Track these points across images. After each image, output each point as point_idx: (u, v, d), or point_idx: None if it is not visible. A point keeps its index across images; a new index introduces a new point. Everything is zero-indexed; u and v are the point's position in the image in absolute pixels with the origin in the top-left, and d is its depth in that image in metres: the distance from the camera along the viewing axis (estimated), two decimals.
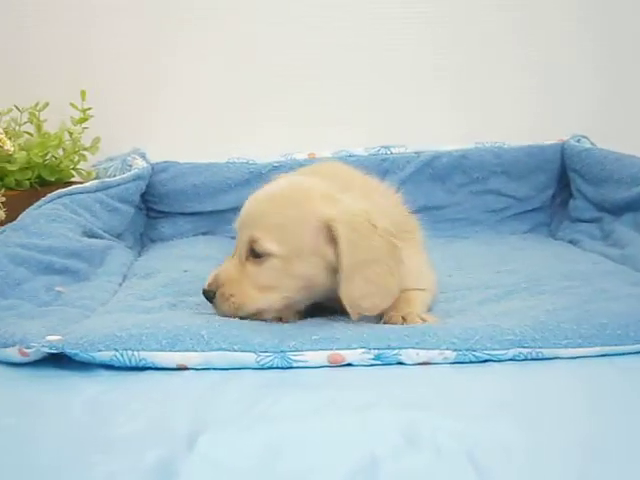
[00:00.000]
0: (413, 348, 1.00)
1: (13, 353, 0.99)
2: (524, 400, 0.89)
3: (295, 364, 0.99)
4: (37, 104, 1.64)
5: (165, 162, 1.75)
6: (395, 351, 1.00)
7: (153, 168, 1.73)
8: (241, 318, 1.09)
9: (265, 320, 1.10)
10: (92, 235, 1.46)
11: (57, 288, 1.24)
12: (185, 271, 1.37)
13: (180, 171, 1.72)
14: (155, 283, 1.31)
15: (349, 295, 1.07)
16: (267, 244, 1.08)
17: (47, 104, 1.63)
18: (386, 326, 1.05)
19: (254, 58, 1.85)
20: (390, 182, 1.74)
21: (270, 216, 1.11)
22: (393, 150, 1.83)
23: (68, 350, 0.97)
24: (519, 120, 1.92)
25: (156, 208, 1.77)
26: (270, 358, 0.99)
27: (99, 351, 0.97)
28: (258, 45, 1.85)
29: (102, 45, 1.80)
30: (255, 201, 1.14)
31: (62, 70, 1.78)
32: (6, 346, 1.00)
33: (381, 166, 1.81)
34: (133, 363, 0.98)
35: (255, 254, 1.10)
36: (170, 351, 0.98)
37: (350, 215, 1.08)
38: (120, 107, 1.79)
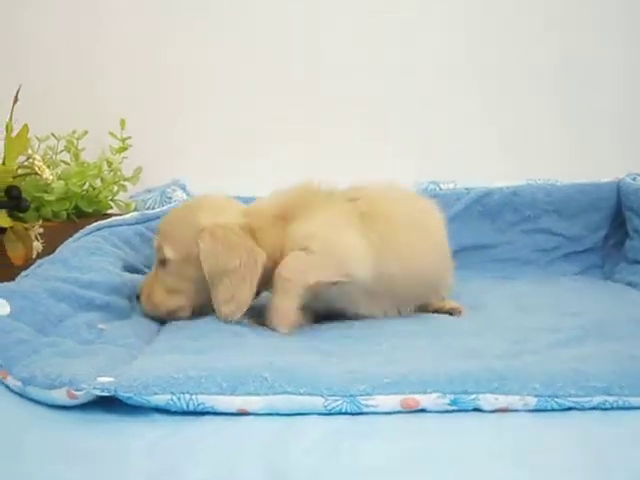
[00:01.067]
0: (492, 393, 0.94)
1: (60, 395, 0.93)
2: (610, 452, 0.82)
3: (365, 409, 0.92)
4: (74, 132, 1.59)
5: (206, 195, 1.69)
6: (472, 396, 0.93)
7: None
8: (160, 319, 1.29)
9: (180, 319, 1.29)
10: (132, 269, 1.41)
11: (99, 325, 1.19)
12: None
13: None
14: (200, 322, 1.25)
15: (215, 300, 1.24)
16: (167, 250, 1.27)
17: (86, 132, 1.59)
18: (461, 366, 0.98)
19: (302, 90, 1.82)
20: None
21: (169, 226, 1.30)
22: (442, 186, 1.78)
23: (121, 393, 0.90)
24: (572, 157, 1.86)
25: None
26: (339, 402, 0.92)
27: (155, 394, 0.91)
28: (305, 77, 1.82)
29: (143, 74, 1.76)
30: (169, 220, 1.32)
31: (100, 98, 1.74)
32: (52, 387, 0.94)
33: None
34: (191, 407, 0.91)
35: (161, 261, 1.28)
36: (231, 395, 0.92)
37: (215, 227, 1.24)
38: (160, 137, 1.75)
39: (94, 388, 0.91)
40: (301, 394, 0.92)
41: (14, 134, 1.35)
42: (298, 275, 1.21)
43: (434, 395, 0.93)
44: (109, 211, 1.58)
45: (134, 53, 1.77)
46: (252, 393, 0.92)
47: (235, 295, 1.23)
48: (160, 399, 0.91)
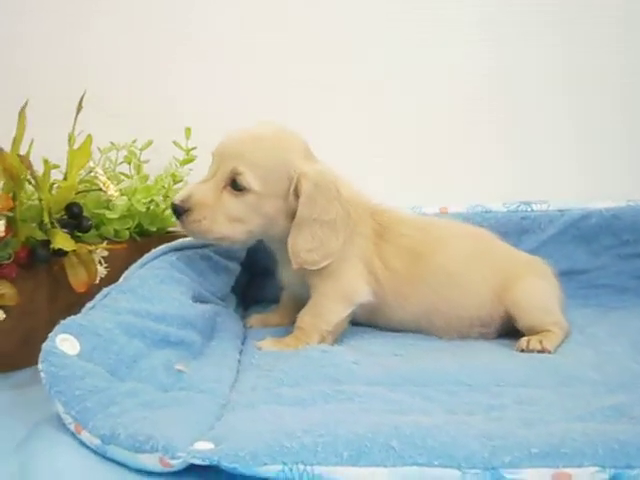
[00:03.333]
0: None
1: (151, 461, 0.82)
2: None
3: None
4: (134, 141, 1.47)
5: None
6: (636, 471, 0.81)
7: None
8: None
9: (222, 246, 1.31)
10: (201, 299, 1.28)
11: (177, 367, 1.07)
12: (324, 352, 1.17)
13: None
14: (291, 365, 1.12)
15: (294, 244, 1.23)
16: (251, 180, 1.20)
17: (150, 142, 1.46)
18: (619, 434, 0.85)
19: (383, 104, 1.70)
20: (530, 243, 1.60)
21: (257, 155, 1.21)
22: (534, 207, 1.65)
23: (226, 464, 0.79)
24: None
25: (261, 263, 1.59)
26: (479, 476, 0.80)
27: (264, 465, 0.79)
28: (387, 94, 1.71)
29: (205, 79, 1.65)
30: (242, 136, 1.23)
31: (164, 104, 1.62)
32: (140, 451, 0.83)
33: (520, 225, 1.63)
34: (305, 479, 0.79)
35: (234, 186, 1.21)
36: (353, 466, 0.80)
37: (319, 175, 1.23)
38: None
39: (193, 457, 0.79)
40: (435, 466, 0.80)
41: (76, 146, 1.23)
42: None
43: (592, 469, 0.81)
44: (172, 229, 1.46)
45: (208, 54, 1.65)
46: (378, 464, 0.81)
47: (324, 244, 1.23)
48: (270, 469, 0.80)
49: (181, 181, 1.45)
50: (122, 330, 1.05)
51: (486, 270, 1.35)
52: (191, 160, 1.49)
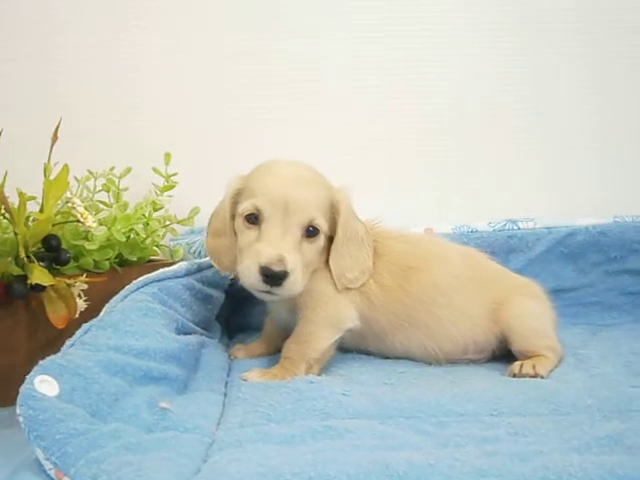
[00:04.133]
0: None
1: None
2: None
3: None
4: (113, 168, 1.44)
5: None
6: None
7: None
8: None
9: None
10: (185, 331, 1.27)
11: (161, 404, 1.04)
12: (311, 382, 1.15)
13: None
14: (279, 399, 1.09)
15: (337, 266, 1.25)
16: (323, 223, 1.21)
17: (129, 170, 1.44)
18: (617, 468, 0.83)
19: (366, 123, 1.70)
20: (517, 262, 1.59)
21: (319, 197, 1.21)
22: (520, 225, 1.64)
23: None
24: None
25: (245, 290, 1.57)
26: None
27: None
28: (377, 116, 1.72)
29: (187, 104, 1.63)
30: (297, 181, 1.21)
31: (141, 130, 1.60)
32: None
33: (507, 244, 1.62)
34: None
35: (309, 234, 1.20)
36: None
37: (347, 197, 1.26)
38: (207, 171, 1.60)
39: None
40: None
41: (52, 176, 1.20)
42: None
43: None
44: (154, 258, 1.43)
45: (179, 80, 1.63)
46: None
47: (359, 261, 1.27)
48: None
49: (162, 208, 1.43)
50: (103, 368, 1.03)
51: (478, 289, 1.34)
52: (172, 187, 1.47)
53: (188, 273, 1.34)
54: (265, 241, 1.17)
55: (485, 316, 1.32)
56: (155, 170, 1.48)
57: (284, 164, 1.24)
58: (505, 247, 1.61)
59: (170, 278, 1.30)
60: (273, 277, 1.14)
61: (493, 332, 1.32)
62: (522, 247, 1.63)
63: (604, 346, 1.42)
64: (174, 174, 1.48)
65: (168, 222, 1.39)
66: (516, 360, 1.28)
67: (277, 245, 1.16)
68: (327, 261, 1.26)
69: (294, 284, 1.16)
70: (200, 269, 1.37)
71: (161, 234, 1.41)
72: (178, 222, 1.42)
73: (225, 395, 1.17)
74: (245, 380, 1.21)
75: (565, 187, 1.72)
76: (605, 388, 1.15)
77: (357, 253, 1.27)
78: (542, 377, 1.22)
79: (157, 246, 1.42)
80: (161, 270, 1.31)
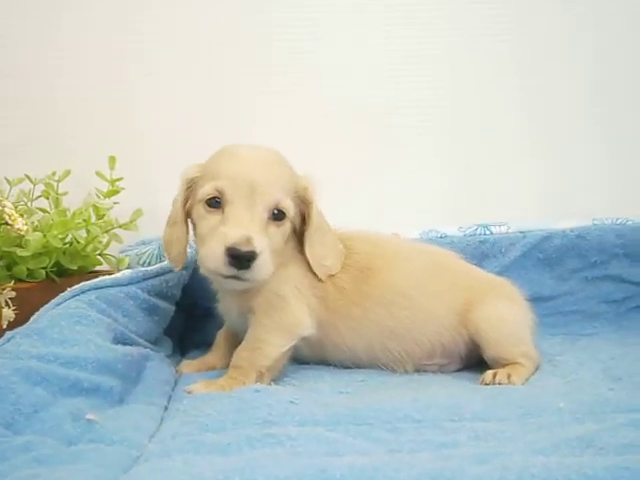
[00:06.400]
0: None
1: None
2: None
3: None
4: (54, 173, 1.36)
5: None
6: None
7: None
8: None
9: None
10: (125, 342, 1.19)
11: (88, 416, 0.95)
12: (257, 391, 1.06)
13: None
14: (220, 408, 1.00)
15: (313, 255, 1.21)
16: (289, 207, 1.15)
17: (68, 172, 1.36)
18: (585, 468, 0.74)
19: (324, 123, 1.63)
20: (491, 268, 1.50)
21: (285, 180, 1.16)
22: (493, 229, 1.56)
23: None
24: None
25: (201, 304, 1.48)
26: None
27: None
28: (335, 111, 1.64)
29: (134, 104, 1.55)
30: (264, 162, 1.15)
31: (84, 134, 1.52)
32: None
33: (479, 249, 1.54)
34: None
35: (276, 217, 1.14)
36: None
37: (314, 185, 1.21)
38: (157, 176, 1.52)
39: None
40: None
41: None
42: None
43: None
44: (98, 268, 1.35)
45: (125, 80, 1.56)
46: None
47: (332, 248, 1.23)
48: None
49: (104, 215, 1.34)
50: (22, 377, 0.96)
51: (445, 289, 1.26)
52: (116, 192, 1.38)
53: (132, 282, 1.26)
54: (231, 223, 1.10)
55: (453, 318, 1.24)
56: (98, 174, 1.40)
57: (246, 147, 1.18)
58: (477, 253, 1.53)
59: (111, 286, 1.22)
60: (241, 258, 1.07)
61: (462, 336, 1.24)
62: (495, 253, 1.55)
63: (583, 353, 1.35)
64: (119, 179, 1.40)
65: (109, 227, 1.30)
66: (490, 369, 1.20)
67: (244, 226, 1.09)
68: (287, 260, 1.20)
69: (263, 267, 1.09)
70: (145, 277, 1.29)
71: (104, 242, 1.32)
72: (120, 226, 1.33)
73: (166, 408, 1.08)
74: (189, 393, 1.13)
75: (540, 190, 1.64)
76: (580, 392, 1.08)
77: (328, 240, 1.23)
78: None
79: (101, 255, 1.34)
80: (101, 277, 1.23)
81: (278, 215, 1.14)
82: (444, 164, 1.63)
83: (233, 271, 1.08)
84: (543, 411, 0.99)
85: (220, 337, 1.31)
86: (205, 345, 1.45)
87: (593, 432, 0.87)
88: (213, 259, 1.09)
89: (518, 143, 1.66)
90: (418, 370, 1.25)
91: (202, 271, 1.17)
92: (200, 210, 1.15)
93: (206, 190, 1.13)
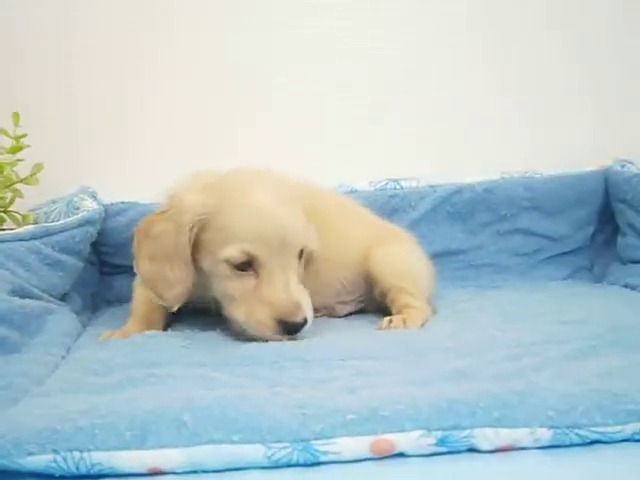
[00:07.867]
0: (492, 426, 0.74)
1: None
2: None
3: (323, 457, 0.71)
4: None
5: (122, 203, 1.48)
6: (466, 432, 0.73)
7: (107, 210, 1.45)
8: None
9: None
10: (25, 295, 1.17)
11: None
12: (150, 337, 1.07)
13: (141, 214, 1.40)
14: (112, 353, 1.01)
15: None
16: (313, 245, 1.16)
17: None
18: (448, 392, 0.77)
19: (237, 82, 1.61)
20: (401, 223, 1.51)
21: (301, 220, 1.13)
22: (403, 184, 1.57)
23: None
24: (551, 145, 1.66)
25: (111, 261, 1.48)
26: (287, 451, 0.71)
27: (29, 455, 0.68)
28: (250, 72, 1.62)
29: (38, 58, 1.53)
30: (286, 216, 1.11)
31: None
32: None
33: (389, 203, 1.56)
34: (82, 470, 0.69)
35: (299, 256, 1.12)
36: (138, 449, 0.70)
37: None
38: (65, 135, 1.51)
39: None
40: (234, 442, 0.71)
41: None
42: None
43: (415, 433, 0.73)
44: (2, 225, 1.33)
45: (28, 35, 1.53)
46: (167, 445, 0.70)
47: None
48: (38, 460, 0.69)
49: (3, 171, 1.33)
50: None
51: (351, 225, 1.31)
52: (20, 148, 1.37)
53: (34, 237, 1.24)
54: (271, 289, 1.07)
55: (355, 260, 1.29)
56: (1, 131, 1.38)
57: (255, 191, 1.12)
58: (387, 207, 1.54)
59: (10, 241, 1.21)
60: (293, 328, 1.06)
61: (362, 276, 1.29)
62: (405, 207, 1.56)
63: (486, 301, 1.37)
64: (23, 135, 1.38)
65: (9, 183, 1.29)
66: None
67: (287, 290, 1.07)
68: None
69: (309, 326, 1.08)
70: (49, 233, 1.27)
71: (8, 198, 1.31)
72: (21, 181, 1.32)
73: (63, 358, 1.08)
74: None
75: (450, 145, 1.65)
76: (470, 332, 1.10)
77: None
78: None
79: (5, 212, 1.32)
80: (1, 232, 1.22)
81: (300, 253, 1.13)
82: (354, 119, 1.63)
83: (282, 337, 1.06)
84: (429, 349, 1.01)
85: (141, 305, 1.26)
86: (117, 301, 1.46)
87: (469, 365, 0.90)
88: (263, 328, 1.06)
89: (431, 97, 1.67)
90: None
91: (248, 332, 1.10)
92: (224, 270, 1.09)
93: (233, 254, 1.08)
